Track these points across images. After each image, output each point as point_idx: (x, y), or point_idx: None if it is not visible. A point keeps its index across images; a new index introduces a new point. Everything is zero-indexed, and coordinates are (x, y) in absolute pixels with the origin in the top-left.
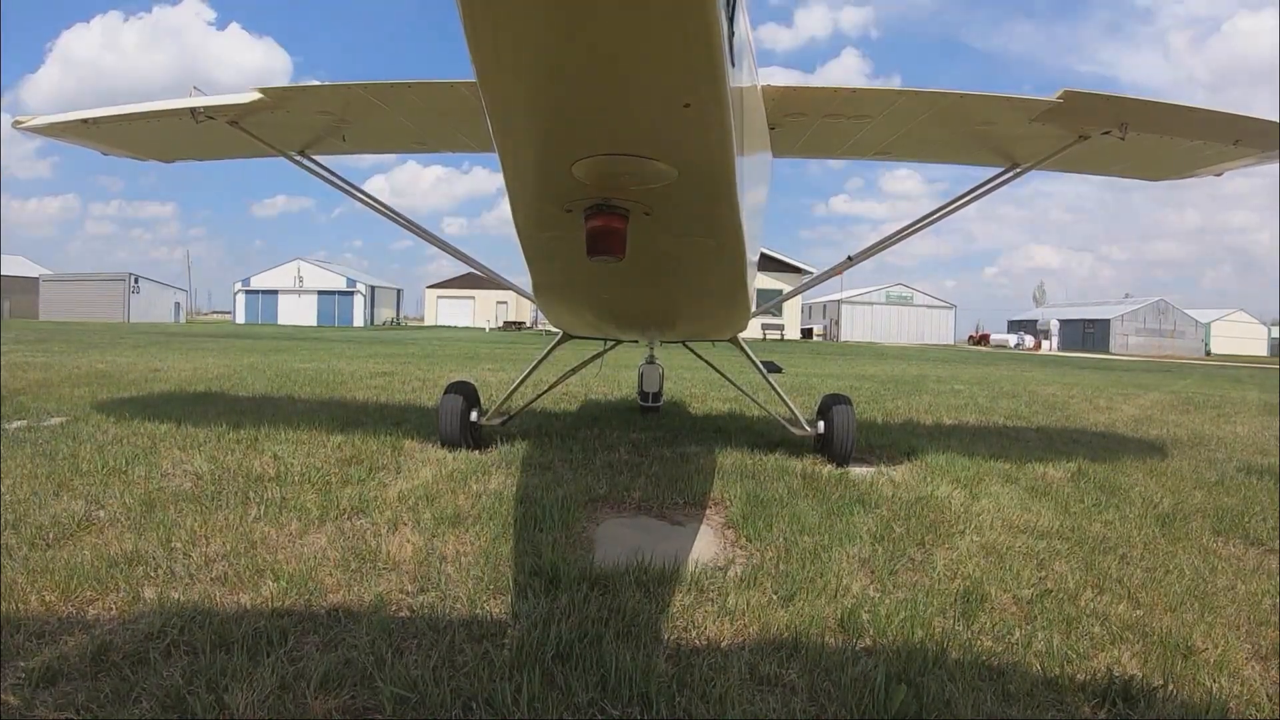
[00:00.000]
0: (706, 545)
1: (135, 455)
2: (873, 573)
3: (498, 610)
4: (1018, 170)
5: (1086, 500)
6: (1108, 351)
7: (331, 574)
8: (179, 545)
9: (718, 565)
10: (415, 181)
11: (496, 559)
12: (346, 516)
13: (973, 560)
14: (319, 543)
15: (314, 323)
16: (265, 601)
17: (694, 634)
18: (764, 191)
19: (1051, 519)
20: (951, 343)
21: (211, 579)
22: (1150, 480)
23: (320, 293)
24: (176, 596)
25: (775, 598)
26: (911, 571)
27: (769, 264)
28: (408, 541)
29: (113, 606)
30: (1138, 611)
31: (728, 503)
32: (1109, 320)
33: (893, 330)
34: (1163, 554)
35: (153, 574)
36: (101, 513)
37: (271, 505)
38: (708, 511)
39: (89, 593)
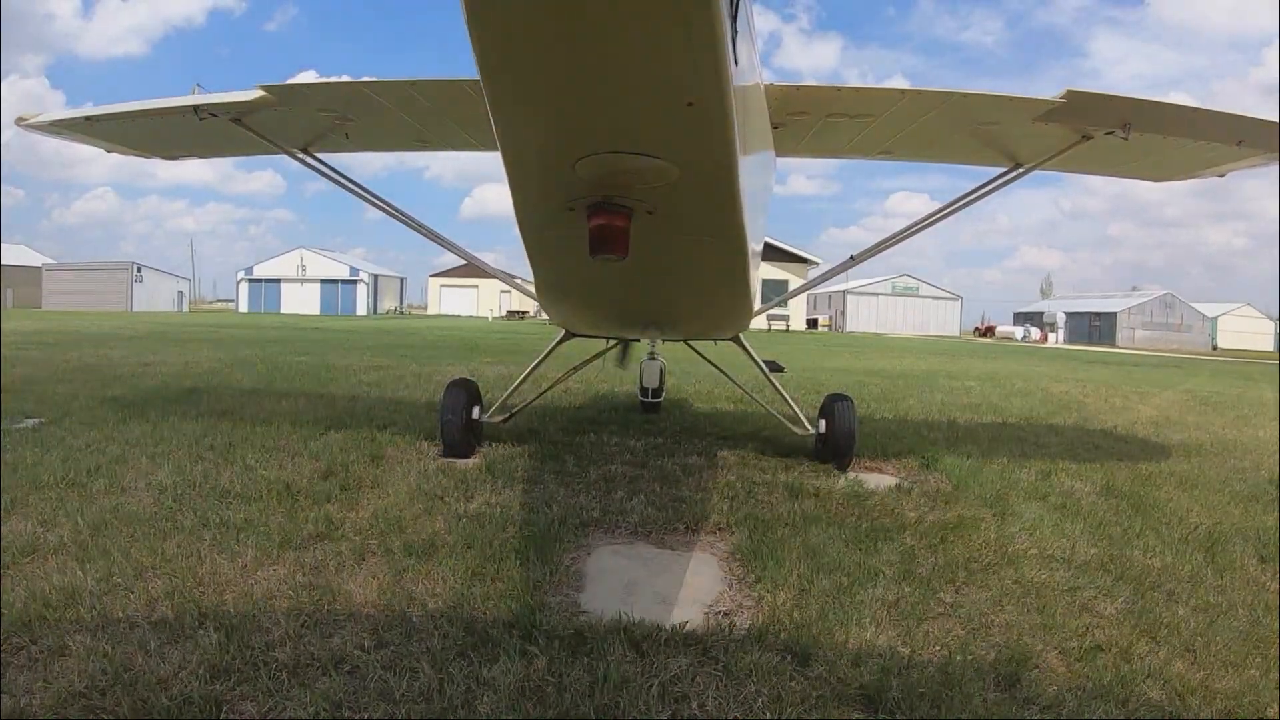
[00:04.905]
0: (709, 582)
1: (100, 466)
2: (899, 622)
3: (463, 675)
4: (1020, 170)
5: (1122, 521)
6: (1114, 344)
7: (280, 623)
8: (121, 581)
9: (722, 610)
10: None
11: (470, 603)
12: (309, 544)
13: (1011, 603)
14: (273, 578)
15: (317, 311)
16: (201, 659)
17: (694, 705)
18: (767, 190)
19: (1088, 546)
20: (957, 334)
21: (149, 625)
22: (1182, 494)
23: (323, 281)
24: (105, 648)
25: (789, 659)
26: (944, 618)
27: (775, 254)
28: (373, 578)
29: (36, 658)
30: (1198, 671)
31: (733, 528)
32: (1115, 313)
33: (898, 321)
34: (1211, 588)
35: (85, 617)
36: (50, 536)
37: (229, 530)
38: (711, 538)
39: (17, 639)
